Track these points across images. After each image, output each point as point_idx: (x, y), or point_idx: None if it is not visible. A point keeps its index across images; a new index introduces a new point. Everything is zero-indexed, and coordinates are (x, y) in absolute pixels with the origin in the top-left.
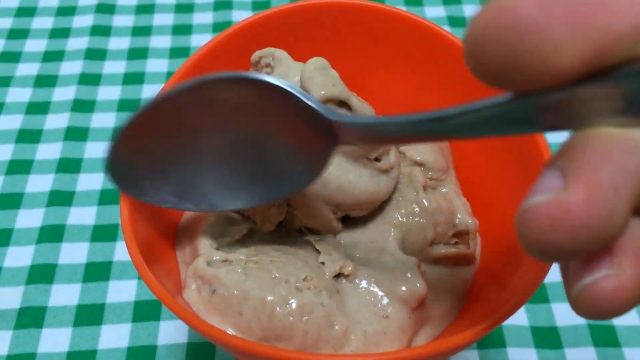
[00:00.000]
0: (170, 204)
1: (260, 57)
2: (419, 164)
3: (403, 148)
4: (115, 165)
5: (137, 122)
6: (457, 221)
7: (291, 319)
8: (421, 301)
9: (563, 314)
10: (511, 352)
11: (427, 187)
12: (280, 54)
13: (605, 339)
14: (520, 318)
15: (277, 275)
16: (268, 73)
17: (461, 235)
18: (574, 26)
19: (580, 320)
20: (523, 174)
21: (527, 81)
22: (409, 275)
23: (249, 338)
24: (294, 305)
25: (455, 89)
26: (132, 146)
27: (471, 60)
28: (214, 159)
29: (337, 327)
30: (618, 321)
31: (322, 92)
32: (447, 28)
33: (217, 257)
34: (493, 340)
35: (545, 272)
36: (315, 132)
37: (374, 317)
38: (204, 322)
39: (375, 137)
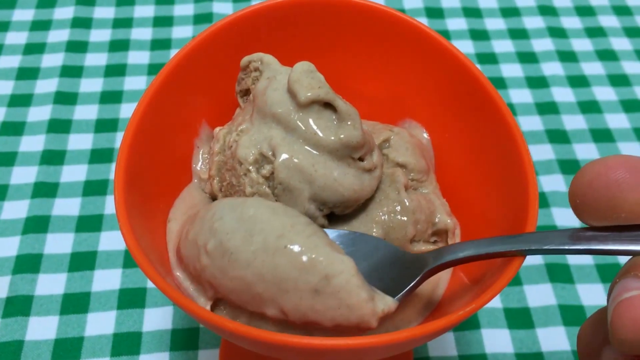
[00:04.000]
0: None
1: (249, 62)
2: (401, 166)
3: (386, 150)
4: None
5: None
6: (436, 220)
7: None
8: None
9: (535, 296)
10: (485, 333)
11: (408, 187)
12: (269, 58)
13: (575, 318)
14: (493, 300)
15: None
16: (256, 77)
17: (440, 233)
18: None
19: (551, 301)
20: (502, 177)
21: (618, 220)
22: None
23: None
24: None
25: (434, 85)
26: None
27: (574, 204)
28: None
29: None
30: (587, 301)
31: (309, 94)
32: (424, 20)
33: None
34: (468, 322)
35: (515, 271)
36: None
37: None
38: (193, 303)
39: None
